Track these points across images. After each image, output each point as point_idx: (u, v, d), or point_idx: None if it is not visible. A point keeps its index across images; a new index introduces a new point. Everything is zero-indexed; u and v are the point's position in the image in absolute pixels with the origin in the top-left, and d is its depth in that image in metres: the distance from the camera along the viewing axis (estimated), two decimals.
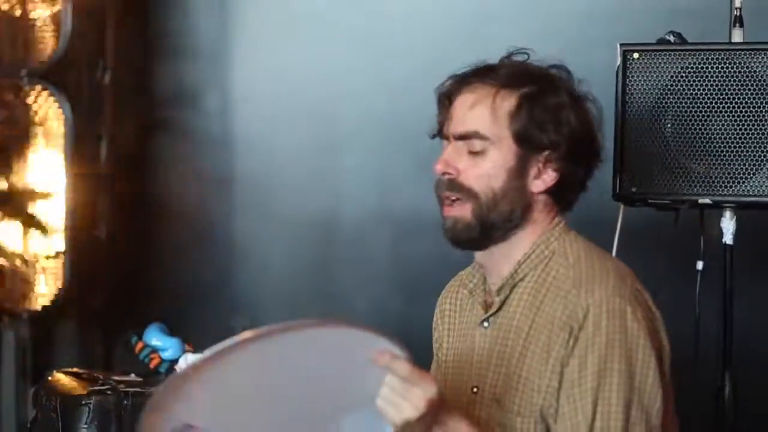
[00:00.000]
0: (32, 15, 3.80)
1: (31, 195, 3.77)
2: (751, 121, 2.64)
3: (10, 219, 3.77)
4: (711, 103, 2.67)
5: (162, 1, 4.15)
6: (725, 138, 2.66)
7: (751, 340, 3.02)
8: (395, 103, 3.78)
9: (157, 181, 4.13)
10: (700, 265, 2.77)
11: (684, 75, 2.70)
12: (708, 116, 2.67)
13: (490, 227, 2.04)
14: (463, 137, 2.05)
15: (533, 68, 2.08)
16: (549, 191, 2.06)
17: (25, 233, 3.75)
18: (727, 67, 2.67)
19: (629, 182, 2.73)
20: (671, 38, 2.75)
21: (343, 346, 1.80)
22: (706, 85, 2.68)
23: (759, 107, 2.64)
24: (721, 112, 2.66)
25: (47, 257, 3.75)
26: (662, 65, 2.71)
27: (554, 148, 2.04)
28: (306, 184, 3.98)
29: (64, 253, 3.73)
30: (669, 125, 2.71)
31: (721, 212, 2.75)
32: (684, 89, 2.69)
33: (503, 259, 2.07)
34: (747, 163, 2.64)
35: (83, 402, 2.87)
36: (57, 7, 3.75)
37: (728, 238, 2.74)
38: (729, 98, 2.66)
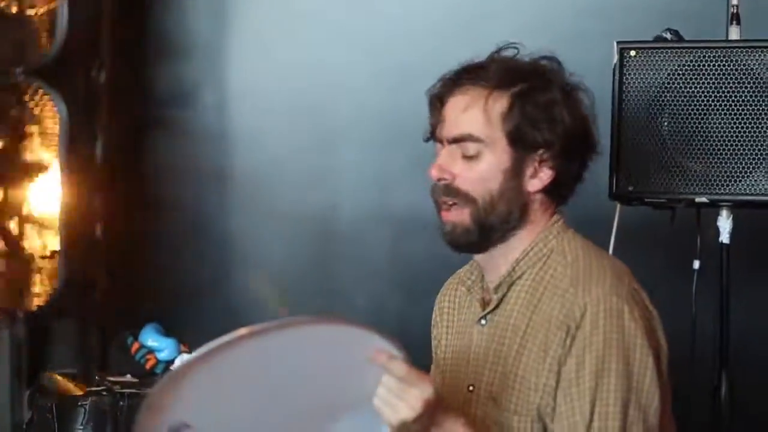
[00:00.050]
0: (28, 13, 3.80)
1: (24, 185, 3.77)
2: (748, 119, 2.64)
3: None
4: (708, 101, 2.67)
5: None
6: (722, 136, 2.65)
7: (747, 339, 3.02)
8: (393, 100, 3.78)
9: (154, 180, 4.12)
10: (696, 264, 2.77)
11: (681, 73, 2.69)
12: (705, 114, 2.67)
13: (488, 230, 2.04)
14: (457, 140, 2.04)
15: (523, 65, 2.07)
16: (545, 189, 2.06)
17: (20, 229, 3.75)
18: (724, 65, 2.66)
19: (626, 181, 2.73)
20: (668, 36, 2.75)
21: (340, 343, 1.80)
22: (703, 83, 2.67)
23: (756, 105, 2.63)
24: (718, 110, 2.66)
25: (43, 257, 3.74)
26: (659, 63, 2.71)
27: (549, 147, 2.03)
28: (303, 181, 3.98)
29: (59, 252, 3.72)
30: (666, 123, 2.70)
31: (717, 211, 2.75)
32: (681, 87, 2.69)
33: (502, 258, 2.07)
34: (744, 162, 2.64)
35: (79, 403, 2.88)
36: (53, 6, 3.74)
37: (725, 237, 2.74)
38: (726, 96, 2.65)
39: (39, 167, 3.79)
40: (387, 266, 3.91)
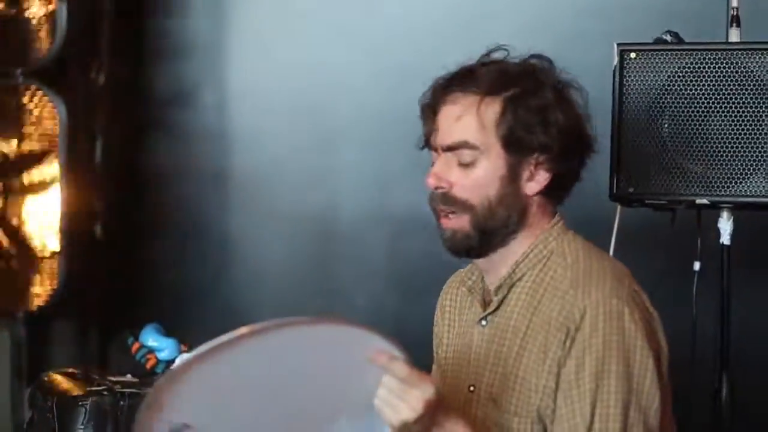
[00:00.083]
0: (27, 14, 3.79)
1: (24, 187, 3.77)
2: (748, 121, 2.64)
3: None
4: (708, 103, 2.67)
5: None
6: (722, 138, 2.66)
7: (748, 340, 3.02)
8: (392, 100, 3.78)
9: (153, 180, 4.12)
10: (697, 265, 2.77)
11: (681, 75, 2.69)
12: (705, 116, 2.67)
13: (488, 235, 2.03)
14: (452, 148, 2.03)
15: (514, 68, 2.06)
16: (543, 191, 2.05)
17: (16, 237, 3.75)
18: (725, 67, 2.66)
19: (626, 182, 2.73)
20: (668, 38, 2.75)
21: (341, 344, 1.80)
22: (704, 85, 2.67)
23: (756, 107, 2.63)
24: (718, 112, 2.66)
25: (43, 257, 3.74)
26: (659, 65, 2.71)
27: (544, 150, 2.02)
28: (303, 181, 3.98)
29: (59, 252, 3.72)
30: (666, 125, 2.70)
31: (718, 213, 2.75)
32: (681, 89, 2.69)
33: (502, 261, 2.07)
34: (744, 164, 2.64)
35: (80, 403, 2.87)
36: (52, 7, 3.74)
37: (725, 239, 2.74)
38: (726, 98, 2.65)
39: (39, 168, 3.79)
40: (386, 266, 3.92)
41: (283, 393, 1.80)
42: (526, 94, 2.02)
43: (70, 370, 3.20)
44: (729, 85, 2.65)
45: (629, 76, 2.72)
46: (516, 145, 2.01)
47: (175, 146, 4.10)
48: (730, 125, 2.65)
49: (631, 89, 2.72)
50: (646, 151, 2.70)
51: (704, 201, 2.69)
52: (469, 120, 2.02)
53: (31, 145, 3.78)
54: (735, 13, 2.77)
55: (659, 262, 3.22)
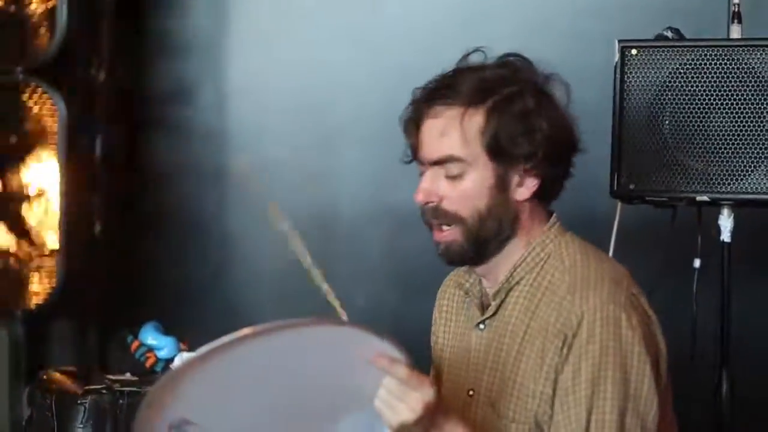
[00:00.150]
0: (27, 11, 3.79)
1: (22, 198, 3.77)
2: (749, 118, 2.64)
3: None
4: (709, 99, 2.67)
5: None
6: (723, 135, 2.65)
7: (748, 337, 3.02)
8: (391, 98, 3.73)
9: (152, 178, 4.12)
10: (697, 262, 2.77)
11: (682, 71, 2.69)
12: (706, 113, 2.67)
13: (482, 244, 2.03)
14: (438, 163, 2.02)
15: (493, 75, 2.04)
16: (534, 195, 2.04)
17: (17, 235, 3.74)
18: (726, 64, 2.66)
19: (627, 179, 2.73)
20: (669, 34, 2.75)
21: (342, 345, 1.80)
22: (705, 81, 2.67)
23: (757, 104, 2.63)
24: (719, 109, 2.66)
25: (41, 255, 3.74)
26: (660, 62, 2.71)
27: (530, 157, 2.01)
28: (302, 179, 3.97)
29: (58, 251, 3.72)
30: (667, 122, 2.70)
31: (718, 210, 2.74)
32: (682, 86, 2.69)
33: (499, 266, 2.06)
34: (745, 161, 2.64)
35: (79, 401, 2.87)
36: (52, 4, 3.74)
37: (726, 236, 2.74)
38: (727, 95, 2.65)
39: (38, 166, 3.79)
40: (385, 264, 3.91)
41: (284, 393, 1.80)
42: (507, 101, 2.00)
43: (70, 368, 3.20)
44: (730, 81, 2.65)
45: (630, 73, 2.72)
46: (502, 154, 2.00)
47: (176, 144, 4.10)
48: (731, 122, 2.65)
49: (632, 86, 2.72)
50: (646, 148, 2.70)
51: (705, 198, 2.69)
52: (453, 134, 2.01)
53: (30, 143, 3.78)
54: (736, 9, 2.77)
55: (659, 259, 3.20)
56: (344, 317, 2.00)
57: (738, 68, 2.65)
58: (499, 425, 1.99)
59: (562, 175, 2.07)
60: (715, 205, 2.72)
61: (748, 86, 2.64)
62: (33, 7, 3.79)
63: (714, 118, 2.66)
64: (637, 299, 2.00)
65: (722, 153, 2.65)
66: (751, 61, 2.64)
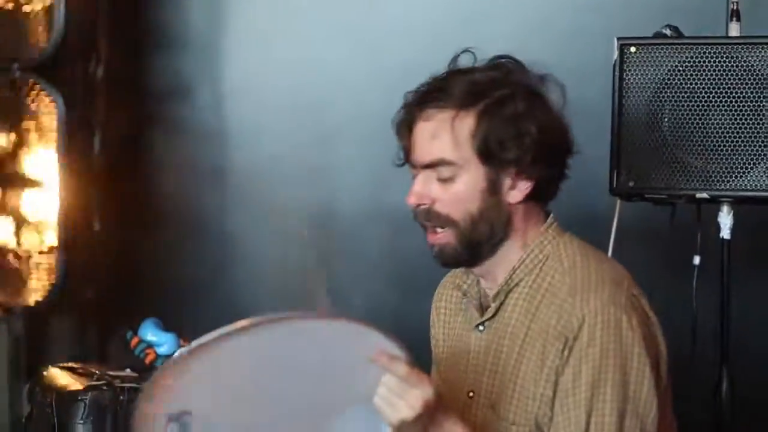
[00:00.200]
0: (25, 9, 3.79)
1: (22, 182, 3.76)
2: (748, 115, 2.64)
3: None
4: (708, 97, 2.67)
5: None
6: (722, 132, 2.66)
7: (748, 335, 3.03)
8: (389, 97, 3.74)
9: (151, 175, 4.12)
10: (697, 260, 2.77)
11: (681, 69, 2.70)
12: (705, 110, 2.67)
13: (475, 247, 2.03)
14: (430, 166, 2.02)
15: (484, 78, 2.03)
16: (527, 197, 2.03)
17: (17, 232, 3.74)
18: (724, 62, 2.66)
19: (626, 177, 2.73)
20: (668, 32, 2.75)
21: (341, 340, 1.80)
22: (704, 79, 2.68)
23: (756, 101, 2.64)
24: (718, 106, 2.66)
25: (40, 252, 3.73)
26: (659, 59, 2.71)
27: (522, 160, 2.00)
28: (300, 177, 3.97)
29: (57, 247, 3.72)
30: (666, 119, 2.71)
31: (718, 207, 2.75)
32: (681, 83, 2.69)
33: (497, 268, 2.06)
34: (744, 158, 2.64)
35: (79, 397, 2.88)
36: (50, 1, 3.73)
37: (725, 233, 2.74)
38: (726, 92, 2.66)
39: (37, 163, 3.79)
40: (383, 263, 3.91)
41: (283, 387, 1.79)
42: (498, 105, 2.00)
43: (69, 365, 3.20)
44: (729, 79, 2.66)
45: (629, 71, 2.72)
46: (492, 158, 1.99)
47: (174, 142, 4.10)
48: (730, 119, 2.65)
49: (631, 84, 2.72)
50: (646, 146, 2.71)
51: (704, 195, 2.69)
52: (443, 137, 2.00)
53: (28, 140, 3.77)
54: (735, 7, 2.77)
55: (659, 256, 3.21)
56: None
57: (737, 66, 2.66)
58: (499, 427, 1.99)
59: (557, 176, 2.06)
60: (715, 202, 2.73)
61: (746, 84, 2.65)
62: (31, 4, 3.78)
63: (713, 115, 2.67)
64: (638, 300, 2.00)
65: (721, 150, 2.66)
66: (749, 58, 2.65)
